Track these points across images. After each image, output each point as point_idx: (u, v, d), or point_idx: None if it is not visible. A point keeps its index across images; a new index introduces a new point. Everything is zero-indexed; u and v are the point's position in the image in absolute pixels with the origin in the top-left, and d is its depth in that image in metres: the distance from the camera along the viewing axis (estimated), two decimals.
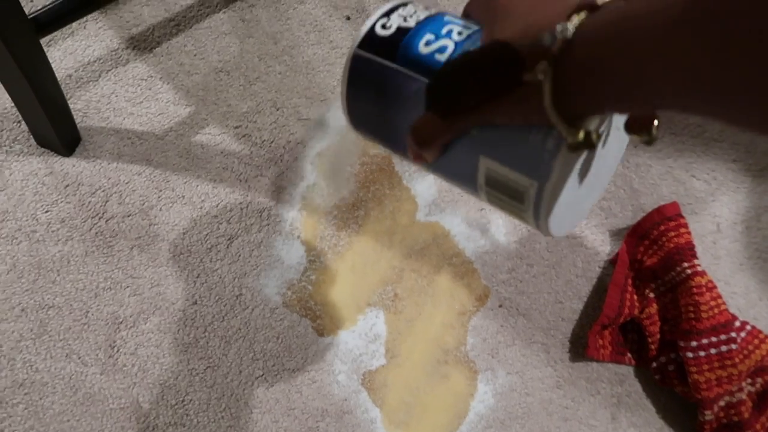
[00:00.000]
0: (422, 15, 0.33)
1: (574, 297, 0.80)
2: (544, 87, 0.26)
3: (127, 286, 0.71)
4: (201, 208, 0.75)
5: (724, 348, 0.70)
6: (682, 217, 0.77)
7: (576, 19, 0.25)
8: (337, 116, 0.82)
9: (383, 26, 0.33)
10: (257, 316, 0.72)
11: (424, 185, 0.81)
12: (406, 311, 0.76)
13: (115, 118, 0.77)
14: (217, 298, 0.72)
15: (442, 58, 0.30)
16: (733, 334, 0.71)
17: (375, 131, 0.34)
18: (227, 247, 0.74)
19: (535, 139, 0.28)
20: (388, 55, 0.32)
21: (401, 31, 0.32)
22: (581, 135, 0.26)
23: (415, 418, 0.72)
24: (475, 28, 0.32)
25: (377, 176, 0.80)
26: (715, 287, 0.74)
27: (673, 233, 0.76)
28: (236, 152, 0.78)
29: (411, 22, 0.32)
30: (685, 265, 0.74)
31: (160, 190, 0.75)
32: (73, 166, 0.74)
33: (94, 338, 0.69)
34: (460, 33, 0.31)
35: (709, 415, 0.71)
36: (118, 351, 0.69)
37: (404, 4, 0.34)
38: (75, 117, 0.75)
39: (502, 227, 0.81)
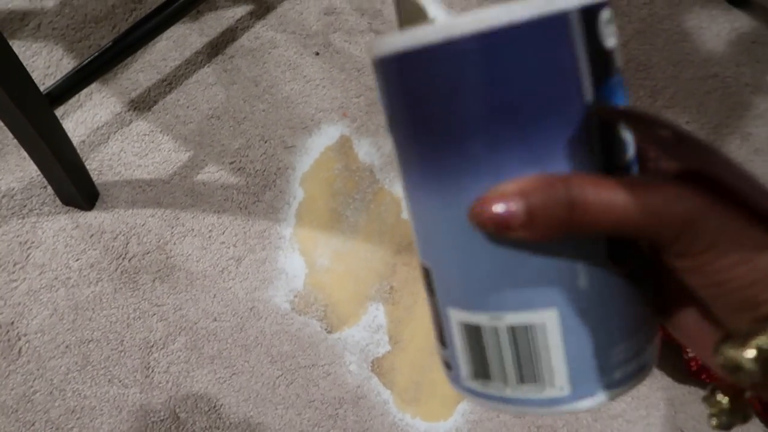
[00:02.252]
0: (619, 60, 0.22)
1: None
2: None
3: (154, 314, 0.80)
4: (209, 237, 0.85)
5: None
6: None
7: None
8: (319, 141, 0.92)
9: (608, 24, 0.20)
10: (271, 324, 0.81)
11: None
12: (403, 300, 0.83)
13: (126, 172, 0.88)
14: (233, 312, 0.81)
15: (627, 156, 0.20)
16: None
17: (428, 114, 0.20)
18: (236, 267, 0.84)
19: (615, 355, 0.21)
20: (598, 70, 0.19)
21: (613, 57, 0.20)
22: (752, 359, 0.17)
23: (425, 394, 0.79)
24: None
25: (360, 185, 0.89)
26: None
27: None
28: (234, 184, 0.88)
29: (615, 55, 0.20)
30: None
31: (172, 227, 0.85)
32: (95, 217, 0.85)
33: (131, 362, 0.78)
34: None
35: (691, 352, 0.77)
36: (152, 371, 0.78)
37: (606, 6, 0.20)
38: (92, 175, 0.86)
39: None
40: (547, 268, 0.19)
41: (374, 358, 0.80)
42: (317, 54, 0.98)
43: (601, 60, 0.19)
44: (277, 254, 0.85)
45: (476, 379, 0.22)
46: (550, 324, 0.19)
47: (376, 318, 0.82)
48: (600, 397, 0.21)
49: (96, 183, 0.86)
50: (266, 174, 0.89)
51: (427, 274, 0.22)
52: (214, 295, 0.82)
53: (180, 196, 0.87)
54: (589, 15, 0.19)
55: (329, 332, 0.81)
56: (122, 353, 0.78)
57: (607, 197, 0.18)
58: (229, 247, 0.85)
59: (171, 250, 0.84)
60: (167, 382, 0.77)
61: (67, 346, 0.78)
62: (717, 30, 1.06)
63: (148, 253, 0.83)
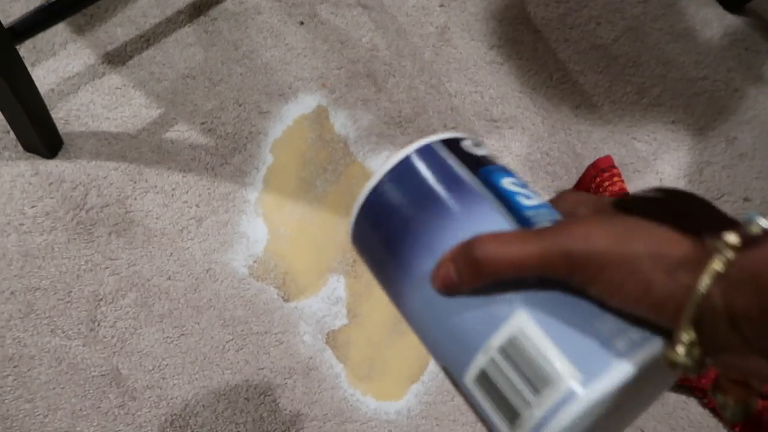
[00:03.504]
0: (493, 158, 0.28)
1: None
2: (698, 289, 0.18)
3: (106, 267, 0.78)
4: (172, 195, 0.83)
5: None
6: (615, 167, 0.83)
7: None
8: (295, 109, 0.90)
9: (475, 144, 0.28)
10: (226, 287, 0.78)
11: (379, 161, 0.87)
12: (366, 275, 0.81)
13: (93, 123, 0.86)
14: (188, 273, 0.79)
15: (525, 201, 0.25)
16: None
17: (392, 231, 0.26)
18: (197, 227, 0.81)
19: (604, 327, 0.21)
20: (470, 166, 0.26)
21: (491, 159, 0.27)
22: (684, 355, 0.19)
23: (378, 372, 0.76)
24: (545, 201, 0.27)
25: (333, 156, 0.87)
26: None
27: (607, 183, 0.81)
28: (203, 145, 0.86)
29: (489, 158, 0.28)
30: None
31: (135, 182, 0.83)
32: (57, 166, 0.83)
33: (77, 314, 0.75)
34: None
35: None
36: (98, 325, 0.75)
37: (471, 139, 0.28)
38: (57, 124, 0.83)
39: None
40: (500, 287, 0.22)
41: (330, 331, 0.78)
42: (301, 23, 0.96)
43: (473, 160, 0.27)
44: (240, 218, 0.82)
45: (513, 425, 0.22)
46: (526, 325, 0.21)
47: (335, 290, 0.80)
48: (619, 370, 0.20)
49: (61, 132, 0.84)
50: (237, 137, 0.87)
51: (446, 372, 0.24)
52: (171, 253, 0.79)
53: (146, 152, 0.85)
54: (453, 143, 0.27)
55: (286, 300, 0.79)
56: (69, 304, 0.76)
57: (504, 250, 0.21)
58: (191, 207, 0.82)
59: (131, 205, 0.81)
60: (112, 337, 0.75)
61: (12, 293, 0.75)
62: (710, 34, 1.04)
63: (106, 206, 0.81)
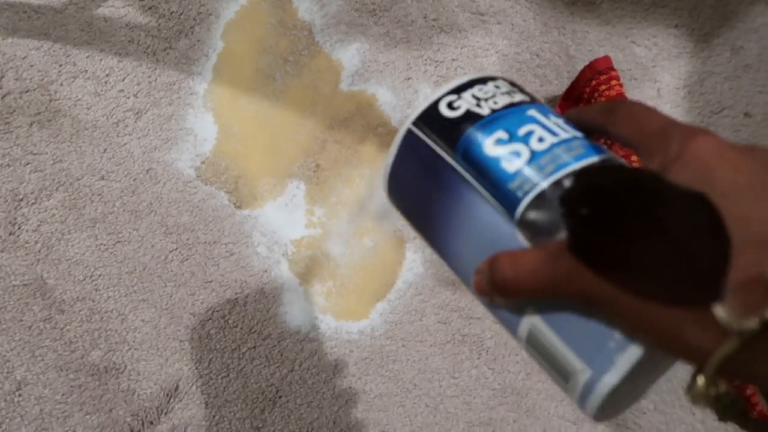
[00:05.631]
0: (501, 101, 0.26)
1: None
2: (733, 336, 0.18)
3: (28, 163, 0.67)
4: (106, 82, 0.71)
5: None
6: (614, 69, 0.74)
7: None
8: None
9: (449, 105, 0.27)
10: (170, 190, 0.69)
11: (348, 54, 0.77)
12: (329, 182, 0.72)
13: None
14: (125, 172, 0.69)
15: (509, 167, 0.24)
16: None
17: (411, 214, 0.29)
18: (135, 121, 0.70)
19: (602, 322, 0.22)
20: (446, 143, 0.26)
21: (469, 117, 0.26)
22: (706, 397, 0.19)
23: (341, 287, 0.69)
24: (570, 134, 0.25)
25: (296, 46, 0.76)
26: None
27: (604, 86, 0.72)
28: (143, 25, 0.73)
29: (485, 109, 0.26)
30: None
31: (61, 65, 0.70)
32: None
33: None
34: (541, 139, 0.24)
35: None
36: (19, 228, 0.65)
37: (483, 81, 0.27)
38: None
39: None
40: None
41: (287, 241, 0.70)
42: None
43: (451, 132, 0.26)
44: (186, 112, 0.71)
45: (566, 386, 0.24)
46: (534, 319, 0.23)
47: (294, 197, 0.71)
48: (621, 363, 0.22)
49: None
50: (183, 18, 0.74)
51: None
52: (105, 149, 0.69)
53: (74, 30, 0.72)
54: (427, 118, 0.27)
55: (238, 207, 0.70)
56: None
57: (521, 278, 0.22)
58: (128, 97, 0.71)
59: (56, 92, 0.70)
60: (36, 242, 0.65)
61: None
62: None
63: (27, 92, 0.69)
